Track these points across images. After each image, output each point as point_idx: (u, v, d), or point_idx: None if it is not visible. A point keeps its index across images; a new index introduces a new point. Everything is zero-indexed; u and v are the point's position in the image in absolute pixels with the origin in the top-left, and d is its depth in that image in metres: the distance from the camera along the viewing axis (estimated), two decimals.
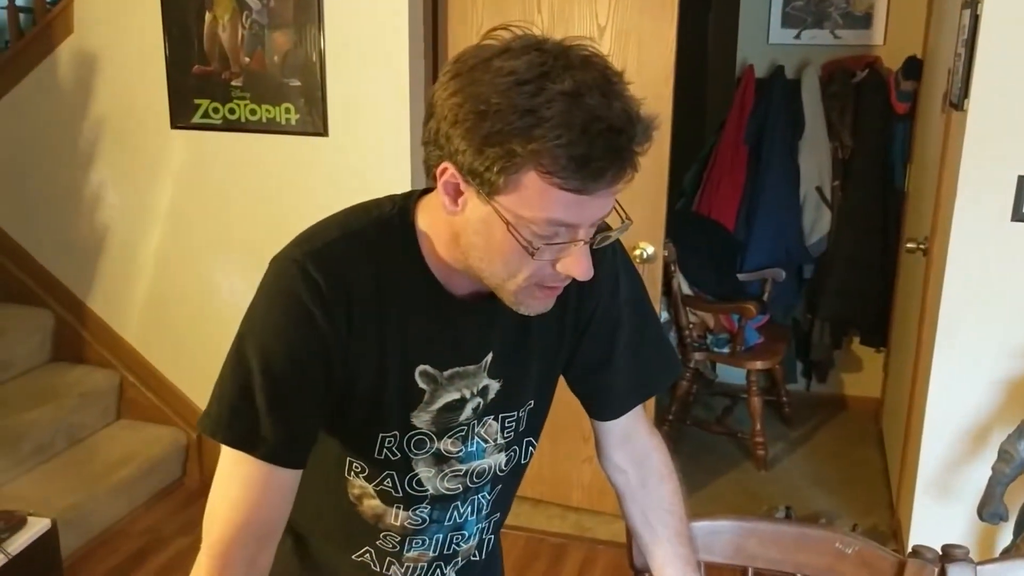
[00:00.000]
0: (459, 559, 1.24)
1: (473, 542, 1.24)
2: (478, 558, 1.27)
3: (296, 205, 2.98)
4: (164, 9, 2.96)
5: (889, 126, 3.76)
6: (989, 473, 2.29)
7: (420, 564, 1.21)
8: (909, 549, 1.30)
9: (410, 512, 1.16)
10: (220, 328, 3.12)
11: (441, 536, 1.20)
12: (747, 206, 3.89)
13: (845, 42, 3.93)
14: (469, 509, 1.20)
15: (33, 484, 2.94)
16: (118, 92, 3.14)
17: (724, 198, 3.91)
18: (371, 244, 1.03)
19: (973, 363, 2.49)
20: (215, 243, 3.16)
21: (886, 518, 3.19)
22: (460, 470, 1.15)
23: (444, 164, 0.93)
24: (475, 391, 1.10)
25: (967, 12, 2.44)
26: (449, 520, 1.19)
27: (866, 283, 3.85)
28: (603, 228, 1.00)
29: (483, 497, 1.20)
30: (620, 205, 0.99)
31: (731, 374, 4.07)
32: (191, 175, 3.13)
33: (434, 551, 1.21)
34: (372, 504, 1.15)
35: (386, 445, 1.10)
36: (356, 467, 1.13)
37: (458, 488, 1.16)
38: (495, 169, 0.88)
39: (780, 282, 3.86)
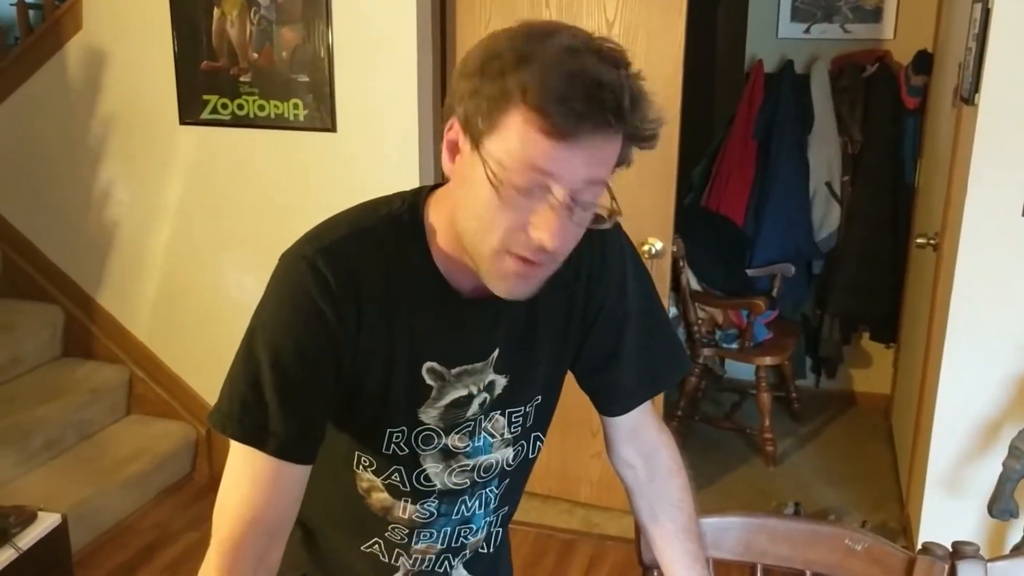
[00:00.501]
0: (467, 552, 1.25)
1: (481, 535, 1.24)
2: (486, 551, 1.27)
3: (304, 201, 2.98)
4: (172, 5, 2.96)
5: (899, 121, 3.75)
6: (999, 469, 2.28)
7: (428, 556, 1.22)
8: (919, 546, 1.29)
9: (418, 506, 1.16)
10: (228, 323, 3.12)
11: (449, 529, 1.20)
12: (756, 201, 3.87)
13: (855, 36, 3.91)
14: (477, 503, 1.20)
15: (43, 479, 2.95)
16: (127, 88, 3.15)
17: (733, 193, 3.90)
18: (380, 241, 1.03)
19: (984, 359, 2.48)
20: (223, 238, 3.16)
21: (896, 514, 3.18)
22: (467, 465, 1.15)
23: (450, 121, 0.96)
24: (482, 387, 1.10)
25: (978, 6, 2.42)
26: (457, 514, 1.19)
27: (876, 278, 3.83)
28: (597, 220, 0.99)
29: (491, 491, 1.20)
30: (613, 195, 0.98)
31: (740, 370, 4.06)
32: (200, 171, 3.13)
33: (442, 544, 1.21)
34: (380, 497, 1.16)
35: (394, 440, 1.10)
36: (364, 461, 1.13)
37: (465, 483, 1.16)
38: (484, 109, 0.90)
39: (789, 277, 3.85)
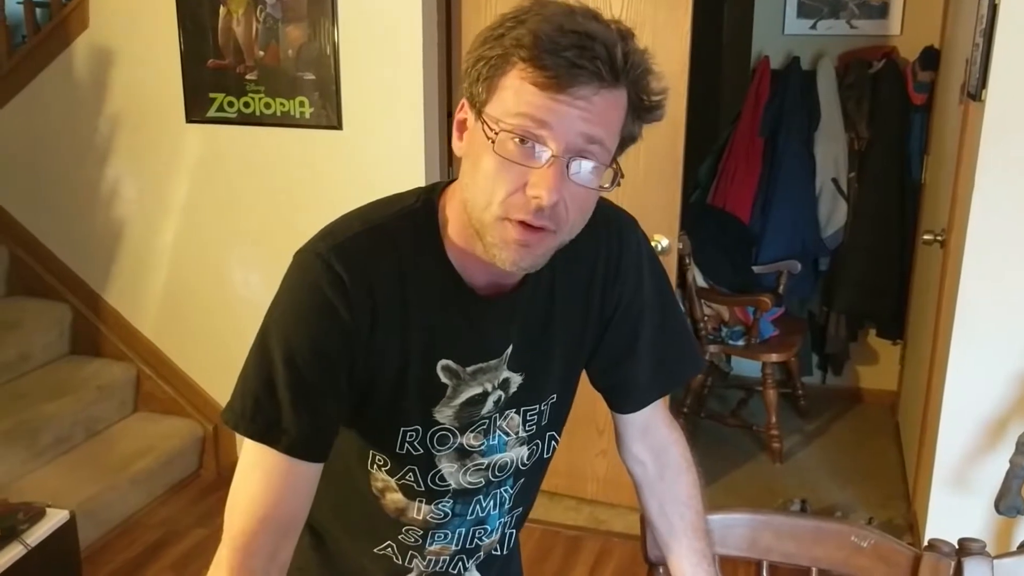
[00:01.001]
0: (481, 553, 1.24)
1: (495, 536, 1.24)
2: (499, 552, 1.27)
3: (310, 198, 2.99)
4: (179, 3, 2.97)
5: (906, 117, 3.74)
6: (1007, 466, 2.28)
7: (442, 558, 1.21)
8: (925, 543, 1.29)
9: (432, 506, 1.15)
10: (235, 321, 3.15)
11: (463, 530, 1.20)
12: (762, 198, 3.87)
13: (862, 32, 3.90)
14: (491, 503, 1.19)
15: (51, 476, 2.96)
16: (133, 86, 3.16)
17: (739, 190, 3.90)
18: (394, 237, 1.03)
19: (990, 355, 2.47)
20: (230, 236, 3.17)
21: (902, 511, 3.18)
22: (482, 464, 1.15)
23: (460, 102, 0.99)
24: (496, 384, 1.10)
25: (985, 1, 2.41)
26: (471, 514, 1.19)
27: (882, 275, 3.83)
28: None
29: (505, 491, 1.20)
30: (619, 166, 0.98)
31: (746, 367, 4.05)
32: (206, 169, 3.14)
33: (456, 545, 1.21)
34: (394, 498, 1.15)
35: (408, 440, 1.09)
36: (379, 460, 1.13)
37: (480, 482, 1.16)
38: (485, 73, 0.93)
39: (796, 274, 3.84)
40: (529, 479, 1.22)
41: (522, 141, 0.91)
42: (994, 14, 2.29)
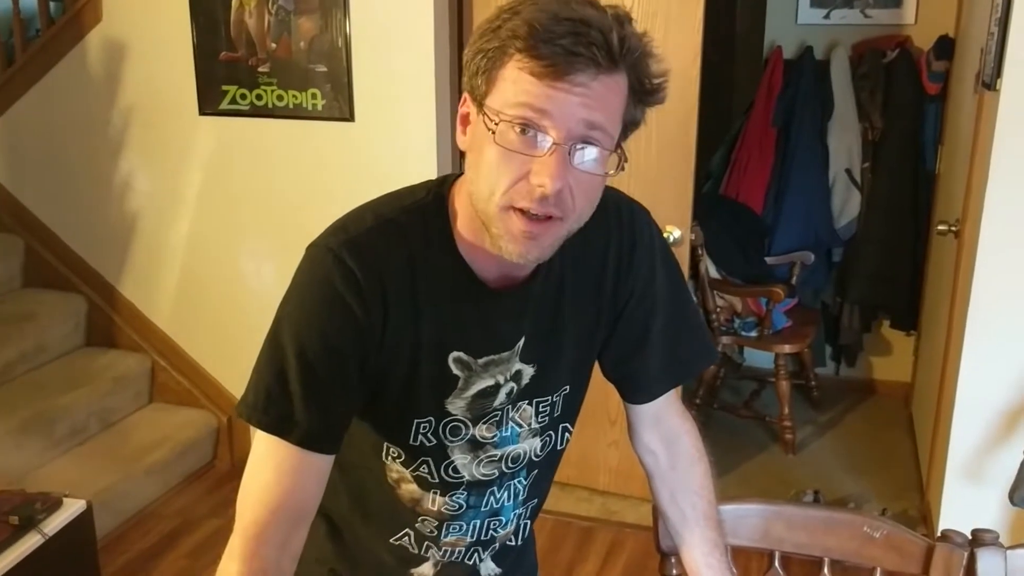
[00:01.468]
0: (496, 544, 1.25)
1: (510, 528, 1.24)
2: (514, 543, 1.27)
3: (323, 190, 3.00)
4: None
5: (920, 107, 3.71)
6: (1020, 457, 2.27)
7: (458, 548, 1.22)
8: (938, 533, 1.29)
9: (447, 498, 1.16)
10: (249, 312, 3.17)
11: (478, 522, 1.20)
12: (775, 189, 3.85)
13: (876, 22, 3.87)
14: (505, 495, 1.20)
15: (68, 467, 2.99)
16: (146, 79, 3.17)
17: (752, 181, 3.88)
18: (406, 231, 1.03)
19: (1005, 346, 2.46)
20: (243, 228, 3.18)
21: (916, 502, 3.17)
22: (495, 455, 1.15)
23: (463, 97, 0.99)
24: (508, 376, 1.10)
25: None
26: (486, 506, 1.19)
27: (896, 266, 3.81)
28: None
29: (519, 483, 1.20)
30: (623, 151, 0.98)
31: (759, 358, 4.04)
32: (219, 161, 3.15)
33: (472, 537, 1.21)
34: (409, 489, 1.16)
35: (421, 431, 1.10)
36: (393, 452, 1.13)
37: (494, 473, 1.16)
38: (484, 67, 0.93)
39: (809, 265, 3.83)
40: (543, 470, 1.23)
41: (523, 130, 0.92)
42: (1009, 2, 2.28)
